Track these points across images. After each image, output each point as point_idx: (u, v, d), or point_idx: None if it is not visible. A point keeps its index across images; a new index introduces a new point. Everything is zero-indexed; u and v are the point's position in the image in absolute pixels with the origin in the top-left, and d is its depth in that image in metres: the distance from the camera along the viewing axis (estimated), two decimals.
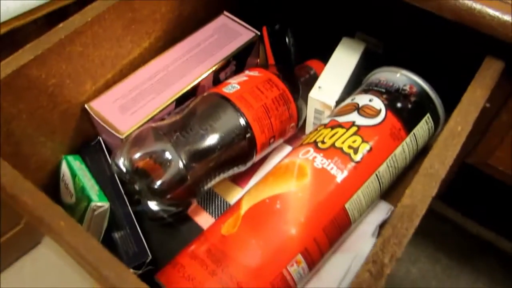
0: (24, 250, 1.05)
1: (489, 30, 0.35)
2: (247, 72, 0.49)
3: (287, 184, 0.39)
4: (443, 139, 0.33)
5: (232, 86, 0.46)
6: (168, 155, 0.40)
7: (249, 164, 0.46)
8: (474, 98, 0.36)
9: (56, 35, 0.42)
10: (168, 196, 0.41)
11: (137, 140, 0.42)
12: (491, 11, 0.35)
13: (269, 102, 0.46)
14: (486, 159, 0.45)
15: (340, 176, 0.40)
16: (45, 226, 0.30)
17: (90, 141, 0.50)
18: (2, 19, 0.85)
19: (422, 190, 0.31)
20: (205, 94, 0.47)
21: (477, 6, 0.35)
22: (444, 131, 0.34)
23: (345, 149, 0.41)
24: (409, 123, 0.44)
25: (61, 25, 0.43)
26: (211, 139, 0.43)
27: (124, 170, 0.41)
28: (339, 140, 0.41)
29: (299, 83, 0.51)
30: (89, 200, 0.42)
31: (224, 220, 0.39)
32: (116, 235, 0.43)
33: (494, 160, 0.45)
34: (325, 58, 0.54)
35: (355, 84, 0.52)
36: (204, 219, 0.47)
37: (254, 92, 0.46)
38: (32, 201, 0.30)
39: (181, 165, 0.40)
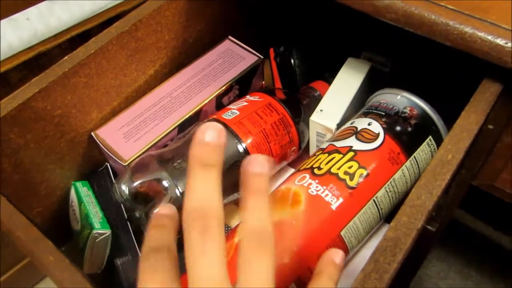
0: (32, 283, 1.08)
1: (481, 54, 0.35)
2: (248, 97, 0.50)
3: (282, 211, 0.39)
4: (432, 168, 0.32)
5: (231, 112, 0.47)
6: (165, 183, 0.41)
7: None
8: (468, 124, 0.35)
9: (60, 68, 0.44)
10: None
11: (136, 168, 0.43)
12: (482, 35, 0.34)
13: (268, 127, 0.46)
14: (492, 181, 0.44)
15: (335, 203, 0.39)
16: (36, 260, 0.31)
17: (99, 167, 0.52)
18: (30, 44, 0.90)
19: (407, 223, 0.30)
20: (205, 120, 0.47)
21: (468, 30, 0.34)
22: (434, 160, 0.33)
23: (341, 175, 0.40)
24: (409, 147, 0.43)
25: (66, 58, 0.45)
26: None
27: (124, 197, 0.42)
28: (335, 166, 0.41)
29: (301, 106, 0.51)
30: (92, 227, 0.43)
31: None
32: (119, 261, 0.44)
33: (500, 182, 0.43)
34: (333, 78, 0.54)
35: (359, 105, 0.51)
36: None
37: (253, 117, 0.46)
38: (24, 236, 0.31)
39: (177, 193, 0.41)
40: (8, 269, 1.00)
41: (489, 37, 0.34)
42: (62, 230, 0.51)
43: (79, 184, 0.49)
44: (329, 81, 0.54)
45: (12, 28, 0.83)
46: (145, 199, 0.42)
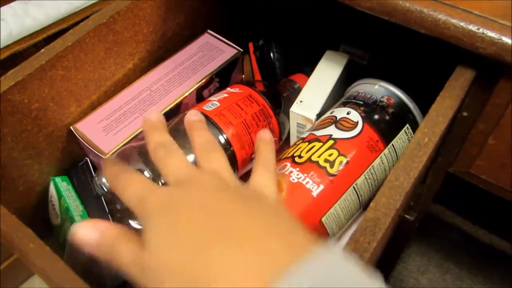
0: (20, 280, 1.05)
1: (455, 40, 0.35)
2: (228, 89, 0.50)
3: None
4: (409, 151, 0.33)
5: (212, 104, 0.47)
6: (145, 174, 0.41)
7: None
8: (443, 109, 0.36)
9: (37, 60, 0.43)
10: None
11: (117, 160, 0.43)
12: (455, 22, 0.35)
13: (248, 118, 0.46)
14: (467, 168, 0.45)
15: (316, 190, 0.40)
16: (15, 248, 0.30)
17: (79, 161, 0.51)
18: (4, 44, 0.88)
19: (386, 203, 0.31)
20: (185, 112, 0.47)
21: (442, 17, 0.35)
22: (411, 143, 0.34)
23: (321, 162, 0.41)
24: (387, 135, 0.43)
25: (43, 50, 0.45)
26: (190, 158, 0.43)
27: (104, 190, 0.42)
28: (316, 154, 0.41)
29: (281, 98, 0.51)
30: (72, 221, 0.43)
31: None
32: None
33: (475, 169, 0.44)
34: (312, 71, 0.54)
35: (338, 96, 0.52)
36: None
37: (233, 108, 0.46)
38: (4, 225, 0.31)
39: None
40: (7, 257, 0.97)
41: (462, 24, 0.35)
42: (42, 226, 0.50)
43: (58, 179, 0.48)
44: (308, 74, 0.55)
45: None
46: None
